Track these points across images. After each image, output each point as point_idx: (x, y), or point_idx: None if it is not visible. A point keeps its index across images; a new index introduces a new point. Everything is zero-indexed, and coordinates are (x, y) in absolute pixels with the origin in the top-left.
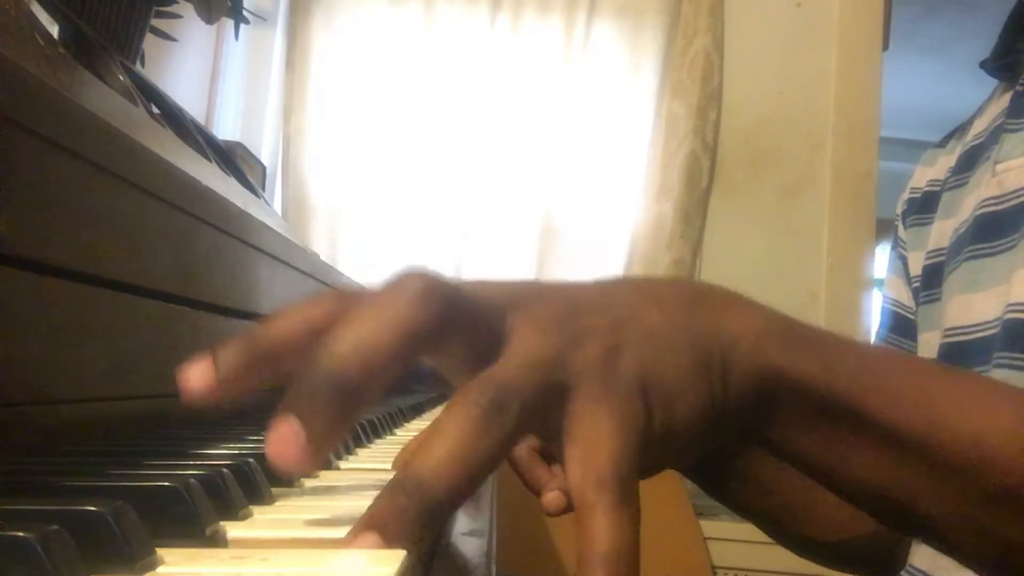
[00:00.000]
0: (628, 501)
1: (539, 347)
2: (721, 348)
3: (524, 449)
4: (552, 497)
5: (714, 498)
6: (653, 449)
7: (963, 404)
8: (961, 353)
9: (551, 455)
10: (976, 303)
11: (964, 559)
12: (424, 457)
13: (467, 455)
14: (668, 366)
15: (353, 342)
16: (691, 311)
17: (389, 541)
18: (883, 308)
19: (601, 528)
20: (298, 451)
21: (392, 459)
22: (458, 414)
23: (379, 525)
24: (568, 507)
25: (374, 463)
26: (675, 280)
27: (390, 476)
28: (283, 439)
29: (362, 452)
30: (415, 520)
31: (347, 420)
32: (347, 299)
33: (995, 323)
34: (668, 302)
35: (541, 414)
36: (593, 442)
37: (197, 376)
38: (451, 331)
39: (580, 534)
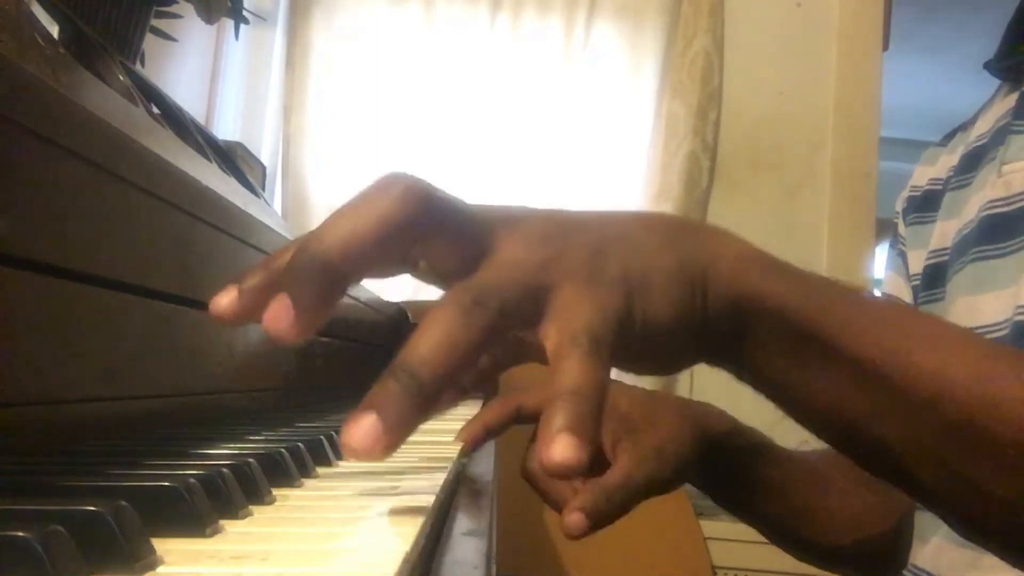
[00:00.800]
0: (597, 352)
1: (524, 254)
2: (703, 265)
3: (538, 462)
4: (574, 520)
5: (715, 502)
6: (631, 339)
7: (928, 339)
8: None
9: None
10: (984, 305)
11: (928, 499)
12: (412, 348)
13: (449, 345)
14: (651, 270)
15: (337, 230)
16: (679, 233)
17: (385, 420)
18: None
19: (569, 371)
20: (288, 322)
21: (391, 459)
22: (442, 311)
23: (375, 406)
24: (588, 529)
25: (374, 462)
26: (666, 213)
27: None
28: (275, 312)
29: None
30: (406, 401)
31: (330, 297)
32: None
33: (1004, 324)
34: (657, 226)
35: (521, 310)
36: (571, 314)
37: (223, 297)
38: (432, 229)
39: (552, 380)
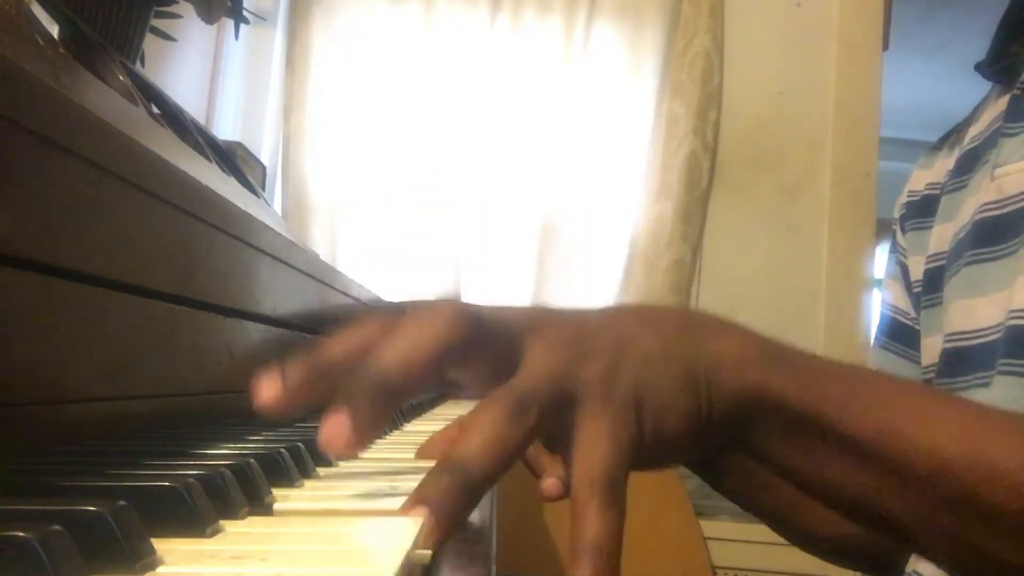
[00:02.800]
0: (614, 502)
1: (552, 362)
2: (707, 367)
3: None
4: (550, 483)
5: (719, 492)
6: (644, 452)
7: (919, 417)
8: (963, 358)
9: (553, 445)
10: (978, 308)
11: (937, 561)
12: (464, 445)
13: (498, 444)
14: (660, 382)
15: (397, 352)
16: (683, 334)
17: (435, 514)
18: (881, 313)
19: (590, 523)
20: (346, 438)
21: (391, 459)
22: (490, 412)
23: (426, 500)
24: (563, 494)
25: (374, 462)
26: (671, 307)
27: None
28: (334, 428)
29: (362, 452)
30: (457, 496)
31: (386, 415)
32: (392, 322)
33: (997, 329)
34: (663, 327)
35: (554, 416)
36: (590, 446)
37: (268, 389)
38: (476, 348)
39: (574, 526)
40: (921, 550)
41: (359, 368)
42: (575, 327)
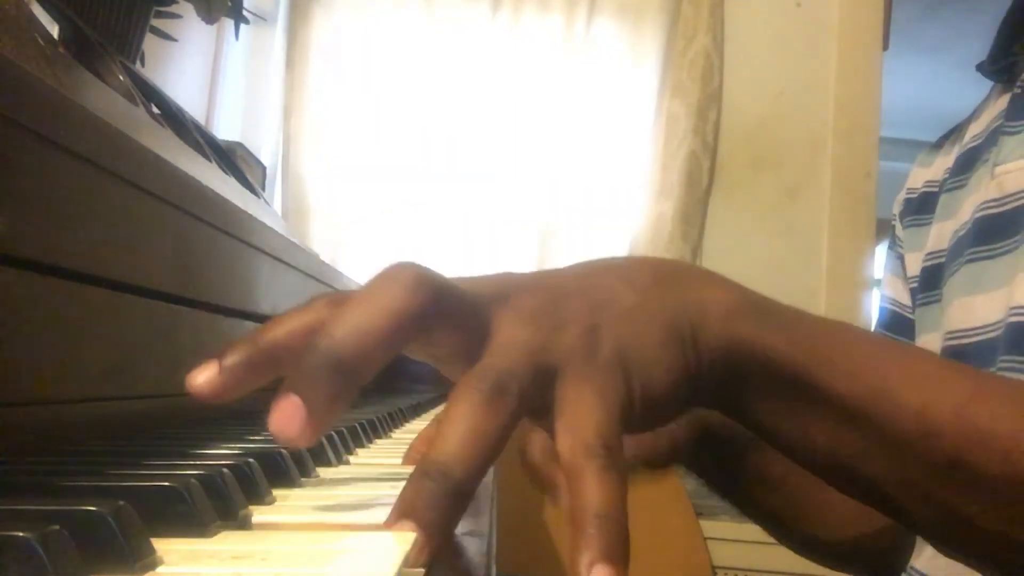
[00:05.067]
0: (614, 465)
1: (525, 335)
2: (692, 320)
3: (539, 451)
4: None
5: (720, 496)
6: (635, 414)
7: (911, 379)
8: (963, 356)
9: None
10: (978, 306)
11: (920, 531)
12: (442, 443)
13: (479, 436)
14: (643, 339)
15: (349, 326)
16: (664, 287)
17: (423, 526)
18: (880, 308)
19: (591, 491)
20: (299, 425)
21: (390, 459)
22: (464, 401)
23: (411, 511)
24: None
25: (373, 467)
26: (648, 258)
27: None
28: (285, 414)
29: (362, 452)
30: (443, 503)
31: (343, 397)
32: (341, 298)
33: (998, 326)
34: (642, 281)
35: (536, 394)
36: (579, 415)
37: (204, 378)
38: (439, 317)
39: (573, 496)
40: (904, 518)
41: (308, 348)
42: (546, 293)
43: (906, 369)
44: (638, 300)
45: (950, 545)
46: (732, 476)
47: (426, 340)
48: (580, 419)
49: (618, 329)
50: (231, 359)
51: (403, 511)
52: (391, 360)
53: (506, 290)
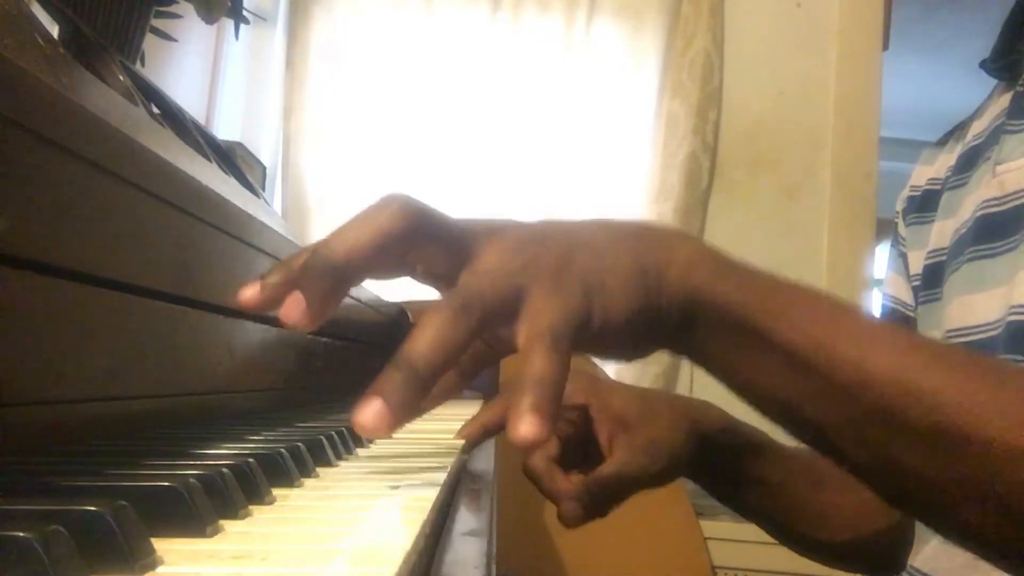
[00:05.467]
0: (557, 348)
1: (502, 261)
2: (658, 265)
3: (542, 460)
4: (570, 507)
5: (719, 502)
6: (592, 330)
7: (852, 334)
8: None
9: (568, 464)
10: (978, 304)
11: (859, 475)
12: (412, 344)
13: (442, 342)
14: (610, 273)
15: (343, 239)
16: (638, 238)
17: (388, 403)
18: (882, 306)
19: (535, 363)
20: (300, 313)
21: (390, 459)
22: (435, 314)
23: (381, 392)
24: (584, 519)
25: (374, 462)
26: (631, 219)
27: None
28: (290, 305)
29: (361, 452)
30: (406, 387)
31: (336, 294)
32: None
33: (997, 324)
34: (619, 232)
35: (501, 314)
36: (538, 310)
37: (250, 291)
38: (423, 238)
39: (521, 369)
40: (845, 461)
41: (310, 255)
42: (529, 232)
43: (848, 325)
44: (612, 243)
45: (887, 491)
46: (732, 483)
47: (416, 258)
48: (538, 316)
49: (588, 261)
50: (269, 279)
51: (374, 391)
52: (379, 269)
53: (496, 227)
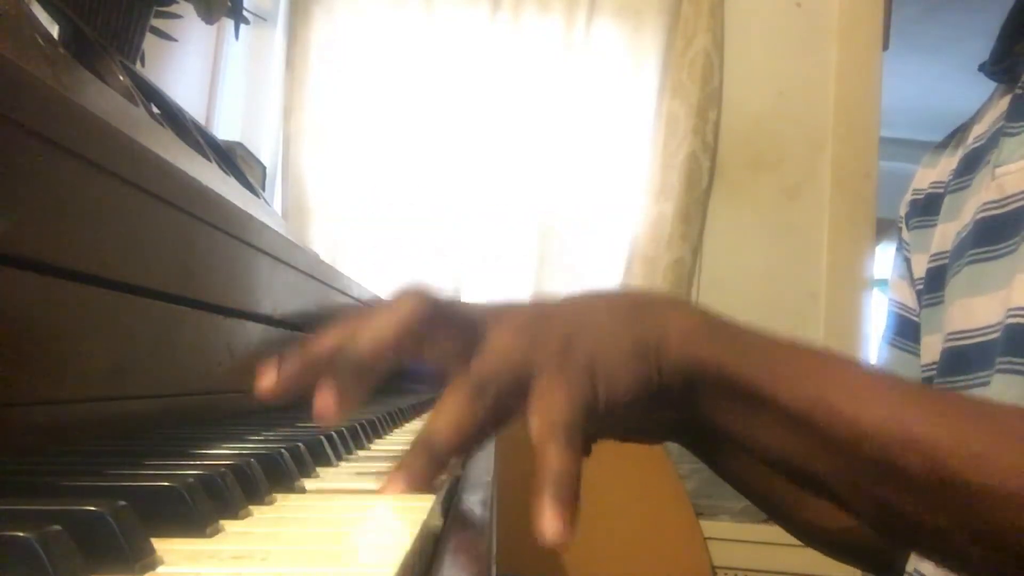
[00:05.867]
0: (571, 444)
1: (510, 344)
2: (656, 340)
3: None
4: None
5: (721, 477)
6: (599, 412)
7: (847, 389)
8: (962, 357)
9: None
10: (977, 307)
11: (866, 522)
12: (430, 424)
13: (460, 423)
14: (612, 353)
15: (367, 336)
16: (635, 312)
17: (409, 477)
18: (888, 311)
19: (552, 460)
20: (334, 407)
21: (391, 459)
22: (453, 396)
23: (403, 468)
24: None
25: (374, 462)
26: (626, 292)
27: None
28: (324, 399)
29: (361, 452)
30: (425, 466)
31: (364, 386)
32: (365, 314)
33: (996, 327)
34: (616, 308)
35: (513, 394)
36: (547, 399)
37: (266, 377)
38: (439, 327)
39: (538, 466)
40: (851, 511)
41: (339, 353)
42: (533, 312)
43: (844, 380)
44: (611, 321)
45: (893, 537)
46: (728, 454)
47: (430, 345)
48: (549, 406)
49: (591, 342)
50: (288, 367)
51: (397, 471)
52: (402, 359)
53: (500, 310)
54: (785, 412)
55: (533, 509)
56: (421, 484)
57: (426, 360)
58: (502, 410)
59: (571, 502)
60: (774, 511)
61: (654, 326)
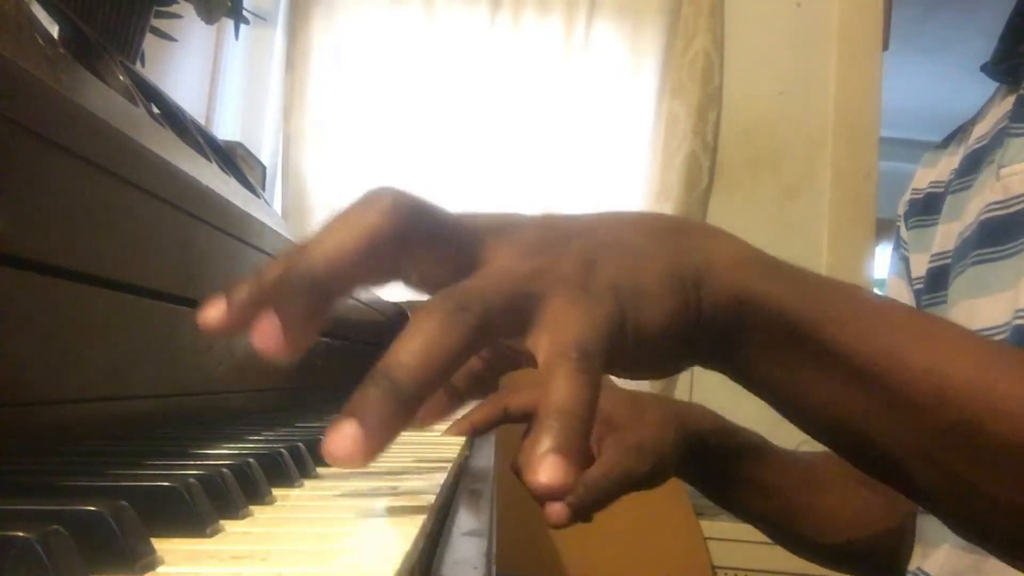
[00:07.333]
0: (587, 369)
1: (515, 263)
2: (697, 267)
3: None
4: (555, 510)
5: (717, 504)
6: (625, 344)
7: (925, 338)
8: None
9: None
10: (983, 308)
11: (922, 498)
12: (394, 353)
13: (429, 351)
14: (643, 277)
15: (323, 245)
16: (671, 233)
17: (365, 426)
18: None
19: (560, 388)
20: (277, 340)
21: (392, 458)
22: (425, 316)
23: (356, 413)
24: (570, 520)
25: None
26: (659, 213)
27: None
28: (264, 330)
29: None
30: (386, 407)
31: (319, 314)
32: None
33: (1003, 328)
34: (648, 228)
35: (506, 317)
36: (563, 324)
37: (213, 311)
38: (417, 241)
39: (542, 393)
40: (906, 484)
41: (285, 267)
42: (548, 230)
43: (918, 331)
44: (643, 242)
45: (960, 519)
46: (724, 484)
47: (411, 264)
48: (563, 327)
49: (618, 265)
50: (237, 296)
51: (348, 411)
52: (368, 281)
53: (507, 225)
54: (850, 363)
55: (525, 453)
56: (381, 434)
57: (411, 285)
58: (488, 337)
59: (577, 448)
60: (775, 531)
61: (696, 250)
